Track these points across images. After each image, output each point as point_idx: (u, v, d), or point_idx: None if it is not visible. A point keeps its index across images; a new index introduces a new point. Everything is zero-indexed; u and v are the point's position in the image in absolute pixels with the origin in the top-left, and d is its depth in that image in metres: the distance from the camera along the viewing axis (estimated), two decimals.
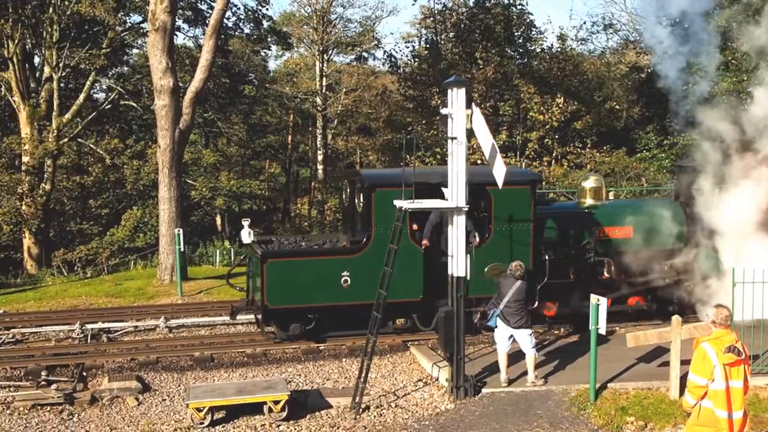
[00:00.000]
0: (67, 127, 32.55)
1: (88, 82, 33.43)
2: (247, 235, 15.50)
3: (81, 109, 33.42)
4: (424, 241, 14.56)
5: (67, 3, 30.92)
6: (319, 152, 46.67)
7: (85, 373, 13.31)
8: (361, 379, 12.00)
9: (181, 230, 21.62)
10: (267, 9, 37.37)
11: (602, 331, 11.64)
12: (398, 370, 13.80)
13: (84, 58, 31.18)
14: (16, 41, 30.71)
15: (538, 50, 35.75)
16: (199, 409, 11.28)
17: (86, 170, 36.21)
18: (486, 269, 14.51)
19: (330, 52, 48.19)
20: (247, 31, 38.56)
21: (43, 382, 12.67)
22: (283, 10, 50.92)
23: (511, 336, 12.39)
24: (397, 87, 37.82)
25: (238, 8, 37.33)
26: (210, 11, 32.29)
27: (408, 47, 41.03)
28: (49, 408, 11.94)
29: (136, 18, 35.77)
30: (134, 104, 35.58)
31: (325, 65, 47.17)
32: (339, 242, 15.81)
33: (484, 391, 12.37)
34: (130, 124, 39.20)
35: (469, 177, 15.34)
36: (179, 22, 33.24)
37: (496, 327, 12.50)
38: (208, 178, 37.80)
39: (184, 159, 27.51)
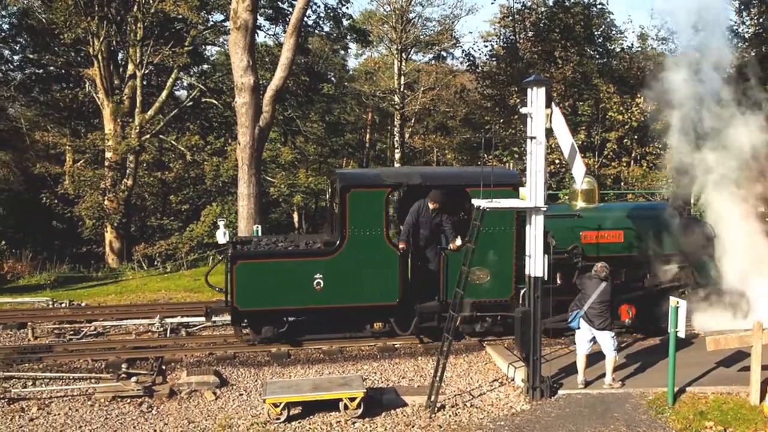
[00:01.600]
0: (149, 124, 33.22)
1: (171, 80, 34.07)
2: (222, 236, 15.20)
3: (163, 106, 34.08)
4: (401, 244, 14.23)
5: (151, 1, 31.56)
6: (396, 151, 46.64)
7: (164, 367, 13.52)
8: (437, 378, 11.91)
9: (259, 227, 21.77)
10: (347, 7, 37.51)
11: (681, 334, 11.36)
12: (474, 370, 13.67)
13: (167, 55, 31.79)
14: (102, 39, 31.47)
15: (618, 50, 35.07)
16: (275, 405, 11.35)
17: (167, 166, 36.93)
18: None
19: (408, 50, 48.11)
20: (327, 29, 38.78)
21: (123, 375, 12.90)
22: (363, 9, 51.11)
23: (593, 338, 12.19)
24: (476, 86, 37.56)
25: (318, 6, 37.56)
26: (291, 9, 32.56)
27: (486, 46, 40.68)
28: (128, 400, 12.15)
29: (218, 16, 36.36)
30: (215, 101, 36.13)
31: (403, 64, 47.12)
32: (315, 243, 15.28)
33: (561, 392, 12.18)
34: (211, 121, 39.81)
35: (448, 178, 15.24)
36: (260, 21, 33.62)
37: (578, 328, 12.29)
38: (287, 176, 38.13)
39: (263, 156, 27.78)
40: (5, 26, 40.13)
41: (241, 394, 12.57)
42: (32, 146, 43.15)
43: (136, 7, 31.55)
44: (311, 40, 40.44)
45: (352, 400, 11.50)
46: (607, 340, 12.15)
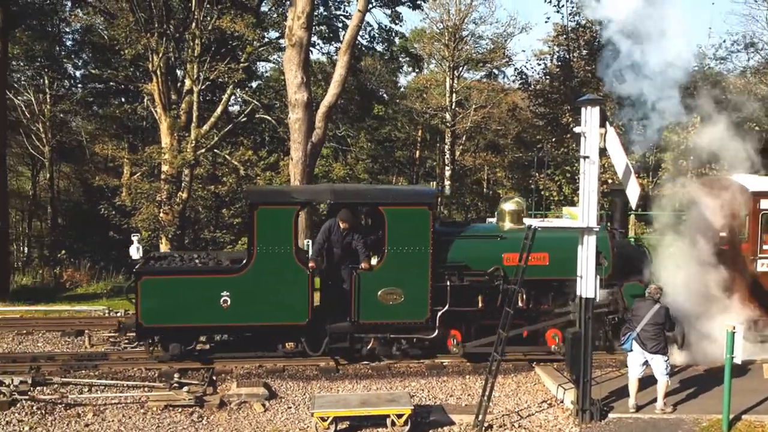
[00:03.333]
0: (204, 139, 33.73)
1: (226, 96, 34.59)
2: (135, 251, 14.79)
3: (218, 121, 34.59)
4: (311, 263, 14.05)
5: (209, 18, 32.13)
6: (446, 168, 46.66)
7: (214, 378, 13.70)
8: (485, 397, 11.89)
9: (310, 241, 21.92)
10: (400, 26, 37.75)
11: (738, 360, 11.17)
12: (522, 390, 13.60)
13: (223, 72, 32.29)
14: (161, 55, 32.08)
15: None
16: (323, 419, 11.44)
17: (221, 180, 37.41)
18: (379, 293, 14.04)
19: (460, 68, 48.18)
20: (379, 49, 39.05)
21: (175, 384, 13.11)
22: (414, 27, 51.35)
23: (645, 361, 12.05)
24: (528, 104, 37.43)
25: (372, 27, 37.81)
26: (345, 28, 32.89)
27: (540, 64, 40.51)
28: (180, 409, 12.36)
29: (273, 34, 36.86)
30: (268, 117, 36.57)
31: (455, 81, 47.20)
32: (224, 261, 15.10)
33: (611, 416, 12.05)
34: (264, 137, 40.28)
35: (360, 196, 15.00)
36: (314, 38, 34.00)
37: (631, 350, 12.15)
38: None
39: (315, 172, 28.04)
40: (69, 42, 41.27)
41: (290, 407, 12.69)
42: (92, 159, 44.21)
43: (194, 24, 32.13)
44: (364, 58, 40.74)
45: (399, 416, 11.54)
46: (659, 364, 12.00)
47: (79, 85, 42.20)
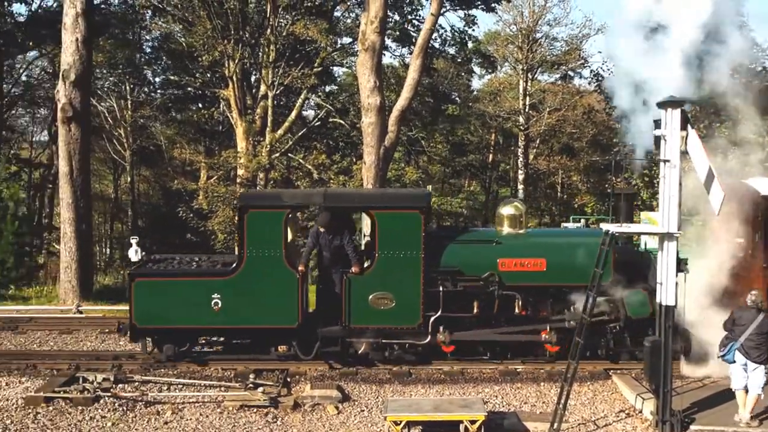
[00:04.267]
0: (278, 143, 34.16)
1: (300, 100, 34.99)
2: (134, 253, 14.94)
3: (291, 125, 35.01)
4: (300, 267, 13.95)
5: (283, 24, 32.55)
6: (520, 172, 46.28)
7: (289, 379, 13.82)
8: (561, 405, 11.71)
9: None
10: (473, 29, 37.61)
11: None
12: (599, 399, 13.36)
13: (297, 77, 32.66)
14: (237, 61, 32.63)
15: (759, 69, 33.72)
16: (396, 423, 11.44)
17: (294, 184, 37.83)
18: (370, 297, 13.89)
19: (534, 70, 47.74)
20: (452, 52, 38.97)
21: (250, 385, 13.28)
22: (487, 29, 51.05)
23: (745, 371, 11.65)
24: (604, 106, 36.87)
25: (445, 30, 37.79)
26: (418, 32, 32.92)
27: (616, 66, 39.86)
28: (255, 410, 12.52)
29: (346, 38, 37.13)
30: (341, 121, 36.84)
31: (528, 84, 46.79)
32: (216, 264, 15.19)
33: (693, 428, 11.71)
34: (337, 141, 40.57)
35: (351, 200, 14.91)
36: (387, 42, 34.13)
37: (734, 362, 11.75)
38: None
39: (387, 176, 28.12)
40: (148, 50, 42.31)
41: (362, 410, 12.73)
42: (170, 162, 45.23)
43: (269, 30, 32.59)
44: (436, 61, 40.71)
45: (472, 422, 11.46)
46: (759, 376, 11.56)
47: (159, 91, 43.26)
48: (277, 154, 34.18)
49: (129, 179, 43.59)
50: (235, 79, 33.00)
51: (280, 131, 34.08)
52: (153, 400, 12.70)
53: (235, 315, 13.91)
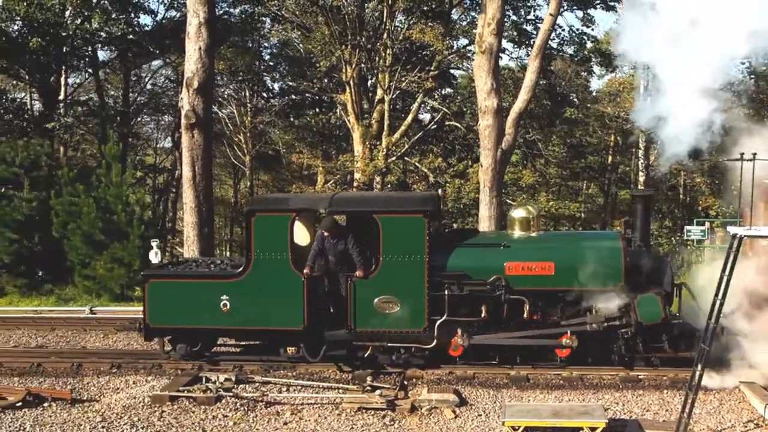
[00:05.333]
0: (394, 146, 34.40)
1: (416, 104, 35.14)
2: (154, 255, 15.18)
3: (408, 129, 35.20)
4: (306, 270, 13.84)
5: (399, 28, 32.79)
6: (640, 174, 45.06)
7: (406, 382, 13.83)
8: (685, 414, 11.29)
9: None
10: (592, 29, 36.90)
11: None
12: (725, 408, 12.81)
13: (413, 80, 32.82)
14: (354, 66, 33.07)
15: None
16: (514, 428, 11.28)
17: (410, 187, 37.99)
18: (375, 301, 13.71)
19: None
20: (570, 52, 38.34)
21: (368, 387, 13.35)
22: (606, 29, 49.95)
23: None
24: (729, 105, 35.49)
25: (563, 29, 37.25)
26: (535, 32, 32.53)
27: (743, 63, 38.39)
28: (372, 412, 12.55)
29: (462, 41, 37.06)
30: (457, 124, 36.77)
31: (650, 84, 45.49)
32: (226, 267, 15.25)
33: None
34: (453, 144, 40.54)
35: (355, 204, 14.67)
36: (504, 44, 33.88)
37: None
38: (527, 199, 37.98)
39: (504, 179, 27.89)
40: (267, 57, 43.37)
41: (480, 415, 12.61)
42: (288, 167, 46.15)
43: (385, 34, 32.89)
44: (553, 62, 40.14)
45: (593, 430, 11.19)
46: None
47: (277, 98, 44.24)
48: (394, 158, 34.44)
49: (248, 184, 44.75)
50: (352, 83, 33.46)
51: (396, 135, 34.31)
52: (273, 401, 12.93)
53: (242, 316, 14.18)
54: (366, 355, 14.23)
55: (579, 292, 13.77)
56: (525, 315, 13.84)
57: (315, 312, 14.08)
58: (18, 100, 38.29)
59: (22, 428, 11.93)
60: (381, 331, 13.91)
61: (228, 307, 14.11)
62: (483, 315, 13.83)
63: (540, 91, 34.94)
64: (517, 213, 14.86)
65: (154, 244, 15.50)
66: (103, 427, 11.96)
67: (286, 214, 14.10)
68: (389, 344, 14.12)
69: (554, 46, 36.56)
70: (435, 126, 37.21)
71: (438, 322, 13.79)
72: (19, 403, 12.65)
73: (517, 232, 14.65)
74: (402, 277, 13.80)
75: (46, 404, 12.83)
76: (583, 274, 13.56)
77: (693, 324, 13.56)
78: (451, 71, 39.73)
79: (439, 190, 35.26)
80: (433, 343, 13.94)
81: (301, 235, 14.93)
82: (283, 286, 13.95)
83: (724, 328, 12.95)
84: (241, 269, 14.31)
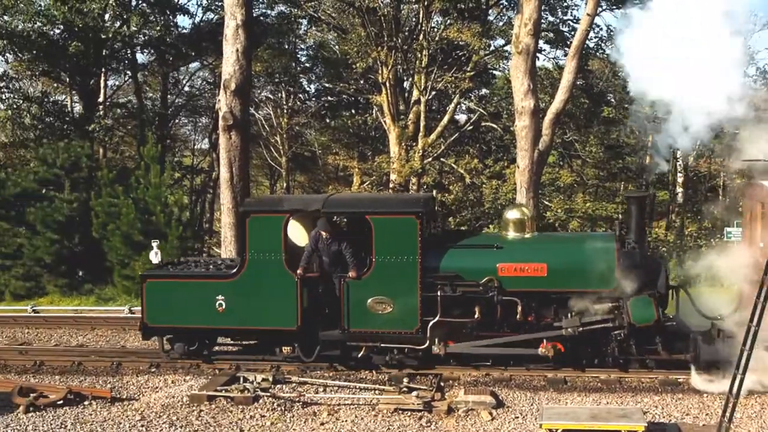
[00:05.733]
0: (431, 147, 34.35)
1: (452, 105, 35.07)
2: (154, 256, 15.76)
3: (444, 130, 35.14)
4: (299, 270, 14.11)
5: (436, 29, 32.75)
6: (679, 174, 44.54)
7: (442, 384, 13.84)
8: (726, 418, 11.14)
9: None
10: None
11: None
12: (767, 413, 12.64)
13: (450, 81, 32.77)
14: (390, 67, 33.09)
15: None
16: (551, 431, 11.22)
17: (447, 189, 37.90)
18: (368, 302, 13.94)
19: None
20: (608, 51, 38.03)
21: (404, 389, 13.37)
22: None
23: None
24: None
25: (601, 29, 36.95)
26: (572, 33, 32.32)
27: None
28: (409, 413, 12.56)
29: (498, 41, 36.91)
30: (494, 125, 36.63)
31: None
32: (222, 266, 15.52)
33: None
34: (489, 145, 40.36)
35: (348, 205, 14.90)
36: (541, 44, 33.67)
37: None
38: (564, 200, 37.73)
39: (541, 179, 27.72)
40: (303, 59, 43.56)
41: (517, 417, 12.55)
42: (324, 168, 46.30)
43: (421, 35, 32.87)
44: (591, 62, 39.81)
45: None
46: None
47: (313, 99, 44.40)
48: (430, 159, 34.38)
49: (285, 185, 44.94)
50: (388, 84, 33.48)
51: (432, 136, 34.25)
52: (310, 401, 13.00)
53: (237, 316, 14.46)
54: (360, 356, 14.40)
55: (572, 294, 13.81)
56: (518, 316, 13.92)
57: (309, 312, 14.33)
58: (59, 102, 38.84)
59: (63, 426, 12.09)
60: (374, 331, 14.12)
61: (223, 307, 14.46)
62: (476, 316, 13.94)
63: (577, 91, 34.68)
64: (512, 214, 14.97)
65: (154, 244, 16.09)
66: (142, 425, 12.10)
67: (280, 215, 14.40)
68: (382, 345, 14.30)
69: (591, 45, 36.25)
70: (471, 127, 37.09)
71: (431, 323, 13.93)
72: (61, 401, 12.85)
73: (511, 234, 14.75)
74: (394, 278, 14.01)
75: (86, 402, 13.03)
76: (576, 275, 13.70)
77: (689, 326, 13.79)
78: (489, 71, 39.54)
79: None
80: (426, 344, 14.06)
81: (300, 236, 15.15)
82: (277, 286, 14.24)
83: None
84: (236, 269, 14.61)
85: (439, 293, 13.93)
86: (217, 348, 15.70)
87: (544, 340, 13.82)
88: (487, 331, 14.12)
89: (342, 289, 14.19)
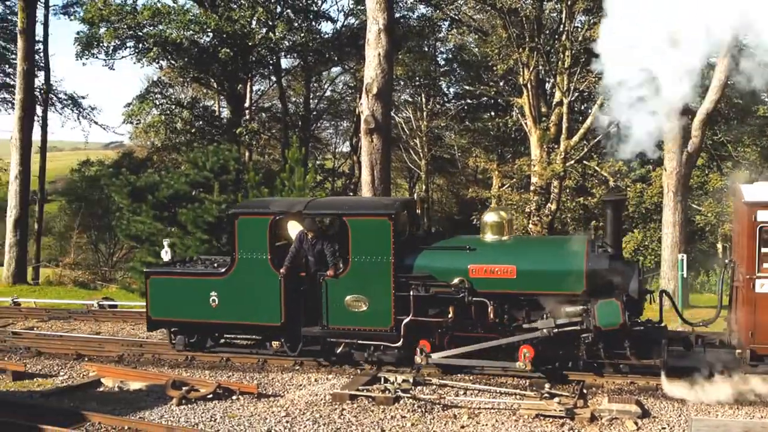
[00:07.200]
0: (573, 150, 33.72)
1: (596, 106, 34.28)
2: (164, 254, 16.85)
3: (587, 132, 34.41)
4: (283, 269, 14.80)
5: (579, 29, 32.13)
6: None
7: (585, 391, 13.54)
8: None
9: (684, 255, 21.02)
10: None
11: None
12: None
13: (593, 82, 32.07)
14: (531, 69, 32.72)
15: None
16: None
17: (590, 192, 37.11)
18: (346, 300, 14.40)
19: None
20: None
21: (546, 395, 13.16)
22: None
23: None
24: None
25: None
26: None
27: None
28: (551, 420, 12.34)
29: None
30: None
31: None
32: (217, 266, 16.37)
33: None
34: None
35: (326, 208, 15.87)
36: None
37: None
38: (714, 204, 36.22)
39: (689, 183, 26.73)
40: (442, 62, 43.69)
41: (663, 428, 12.11)
42: (463, 171, 46.25)
43: (564, 36, 32.33)
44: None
45: None
46: None
47: (453, 102, 44.44)
48: (572, 162, 33.78)
49: (424, 187, 45.21)
50: (529, 86, 33.13)
51: (575, 138, 33.64)
52: (450, 404, 12.98)
53: (229, 311, 15.31)
54: (339, 351, 14.96)
55: (541, 296, 13.84)
56: (490, 317, 13.99)
57: (292, 309, 14.99)
58: (209, 107, 40.50)
59: (212, 419, 12.56)
60: (351, 328, 14.66)
61: (216, 303, 15.38)
62: (450, 316, 14.12)
63: (730, 89, 33.21)
64: (489, 217, 15.08)
65: (165, 243, 17.27)
66: (287, 421, 12.41)
67: (266, 216, 15.23)
68: (359, 342, 14.79)
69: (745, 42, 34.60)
70: (615, 128, 36.17)
71: (404, 322, 14.23)
72: (210, 395, 13.36)
73: (489, 236, 14.87)
74: (369, 277, 14.47)
75: (234, 397, 13.49)
76: (544, 277, 13.78)
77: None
78: None
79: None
80: (400, 342, 14.36)
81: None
82: (263, 284, 15.00)
83: None
84: (226, 268, 15.51)
85: (411, 293, 14.24)
86: (222, 341, 16.62)
87: (524, 353, 13.75)
88: (461, 330, 14.31)
89: (321, 287, 14.80)
